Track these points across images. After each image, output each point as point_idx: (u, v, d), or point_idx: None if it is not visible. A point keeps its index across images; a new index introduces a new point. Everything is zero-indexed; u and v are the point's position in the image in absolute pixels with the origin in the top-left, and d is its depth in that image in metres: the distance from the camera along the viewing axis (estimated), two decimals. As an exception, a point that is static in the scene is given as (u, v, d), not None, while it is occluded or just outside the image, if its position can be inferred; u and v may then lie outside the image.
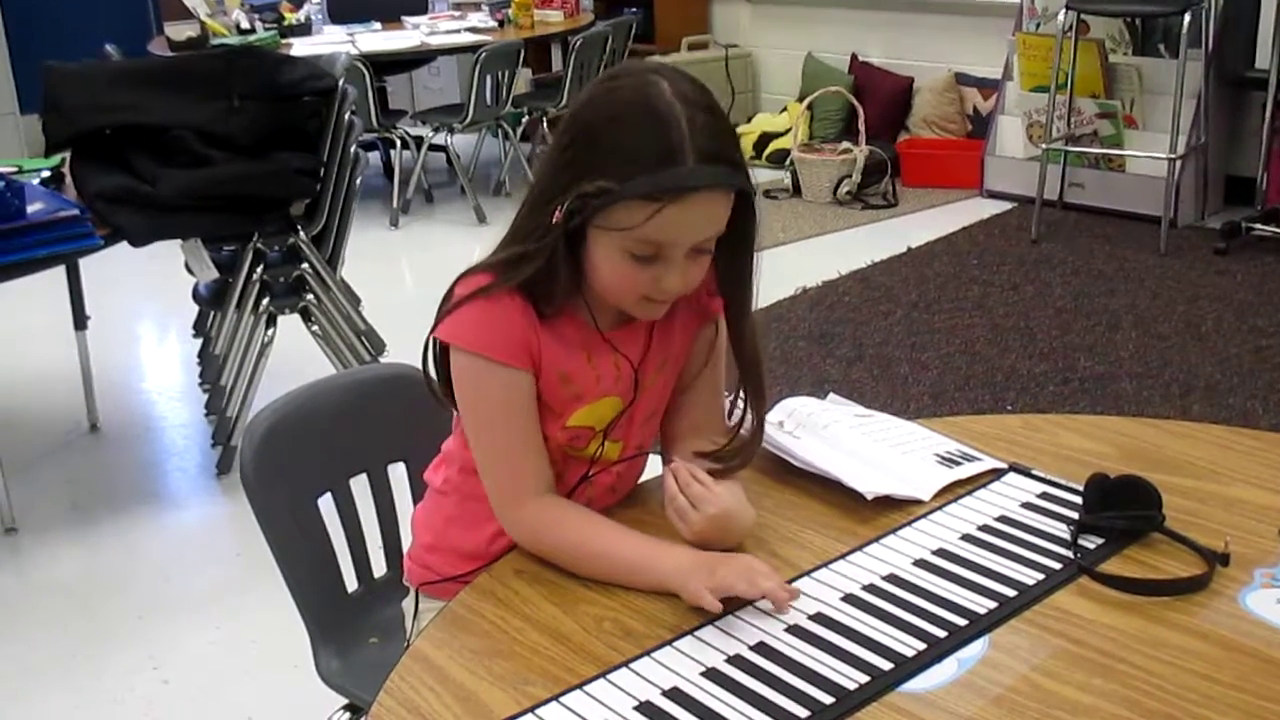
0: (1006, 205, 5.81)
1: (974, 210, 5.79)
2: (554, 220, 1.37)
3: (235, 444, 3.47)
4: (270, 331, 3.49)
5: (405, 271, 5.57)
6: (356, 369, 2.03)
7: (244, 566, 3.04)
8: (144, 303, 5.11)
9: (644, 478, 1.62)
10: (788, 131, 6.53)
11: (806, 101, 6.30)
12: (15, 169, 3.32)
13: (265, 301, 3.45)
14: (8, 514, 3.26)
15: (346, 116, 3.33)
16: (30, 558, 3.18)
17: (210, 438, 3.66)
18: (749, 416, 1.50)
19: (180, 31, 6.01)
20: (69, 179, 3.26)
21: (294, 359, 3.55)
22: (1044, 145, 5.41)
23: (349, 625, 1.80)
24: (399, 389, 1.83)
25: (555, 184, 1.38)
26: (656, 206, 1.32)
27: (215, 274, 3.33)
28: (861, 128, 5.99)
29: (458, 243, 5.72)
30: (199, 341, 4.20)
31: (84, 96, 3.17)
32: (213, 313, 3.80)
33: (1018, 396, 3.77)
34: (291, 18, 6.28)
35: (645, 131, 1.33)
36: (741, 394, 1.50)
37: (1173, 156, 5.06)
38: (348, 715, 1.76)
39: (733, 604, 1.30)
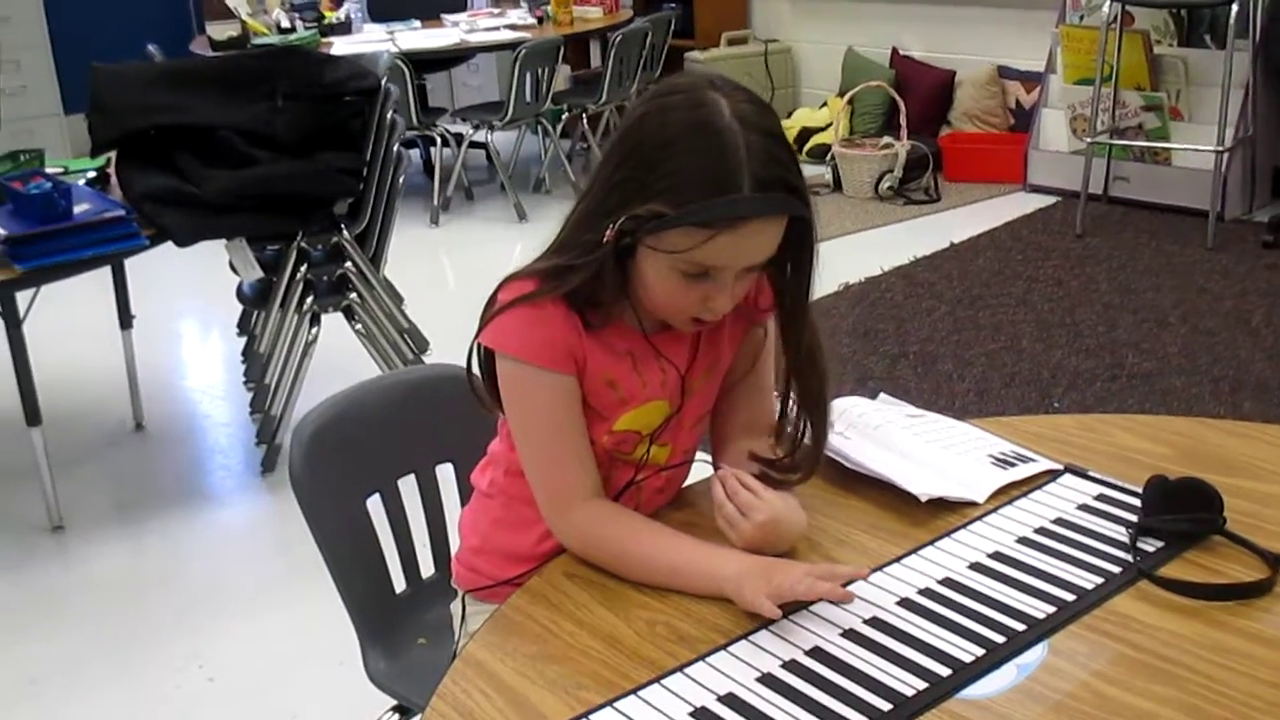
0: (1050, 199, 5.76)
1: (1017, 205, 5.74)
2: (605, 238, 1.35)
3: (280, 442, 3.49)
4: (314, 330, 3.50)
5: (447, 269, 5.57)
6: (405, 369, 2.03)
7: (289, 565, 3.05)
8: (188, 302, 5.14)
9: (692, 479, 1.61)
10: (828, 126, 6.50)
11: (847, 96, 6.27)
12: (62, 170, 3.35)
13: (309, 300, 3.46)
14: (55, 511, 3.28)
15: (389, 115, 3.33)
16: (77, 555, 3.20)
17: (255, 436, 3.67)
18: (809, 432, 1.47)
19: (221, 31, 6.06)
20: (114, 179, 3.28)
21: (338, 357, 3.57)
22: (1088, 139, 5.36)
23: (397, 626, 1.80)
24: (447, 389, 1.82)
25: (607, 202, 1.36)
26: (710, 234, 1.31)
27: (260, 273, 3.34)
28: (903, 122, 5.95)
29: (499, 240, 5.73)
30: (242, 340, 4.22)
31: (129, 97, 3.19)
32: (257, 311, 3.81)
33: (1064, 393, 3.73)
34: (331, 16, 6.31)
35: (701, 157, 1.31)
36: (801, 409, 1.47)
37: (1220, 149, 5.00)
38: (396, 716, 1.75)
39: (787, 608, 1.28)
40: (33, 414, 3.16)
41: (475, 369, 1.48)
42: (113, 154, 3.27)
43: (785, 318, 1.46)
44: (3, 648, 2.84)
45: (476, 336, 1.46)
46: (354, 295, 3.50)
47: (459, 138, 6.14)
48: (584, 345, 1.42)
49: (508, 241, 5.67)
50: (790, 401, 1.49)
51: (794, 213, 1.35)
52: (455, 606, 1.63)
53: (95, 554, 3.20)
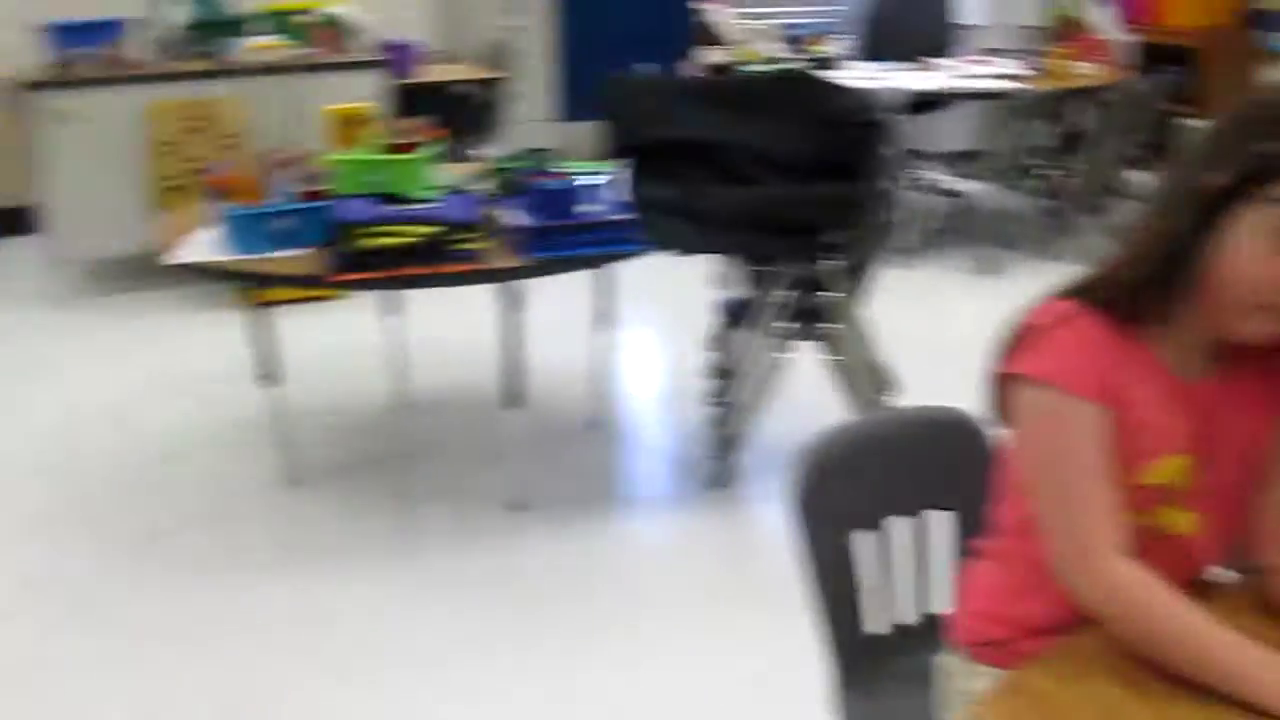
0: None
1: None
2: (1205, 186, 1.25)
3: (731, 460, 3.51)
4: (786, 355, 3.52)
5: (898, 313, 5.46)
6: (911, 409, 1.98)
7: (739, 585, 3.06)
8: (654, 310, 5.24)
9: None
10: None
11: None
12: (575, 170, 3.50)
13: (787, 325, 3.47)
14: (518, 493, 3.44)
15: (889, 151, 3.30)
16: (533, 536, 3.33)
17: (711, 450, 3.68)
18: None
19: (711, 56, 6.20)
20: (621, 184, 3.40)
21: (801, 383, 3.58)
22: None
23: (873, 669, 1.75)
24: (951, 435, 1.78)
25: (1215, 150, 1.27)
26: None
27: (743, 292, 3.38)
28: None
29: (957, 291, 5.59)
30: (711, 354, 4.27)
31: (646, 108, 3.31)
32: (730, 328, 3.86)
33: None
34: (820, 51, 6.34)
35: None
36: None
37: None
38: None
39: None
40: (515, 397, 3.33)
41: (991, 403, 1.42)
42: (626, 160, 3.38)
43: None
44: (451, 614, 2.99)
45: (1000, 365, 1.38)
46: (832, 326, 3.48)
47: (929, 183, 6.04)
48: (1118, 376, 1.32)
49: (967, 294, 5.52)
50: None
51: None
52: (947, 661, 1.56)
53: (550, 535, 3.33)
